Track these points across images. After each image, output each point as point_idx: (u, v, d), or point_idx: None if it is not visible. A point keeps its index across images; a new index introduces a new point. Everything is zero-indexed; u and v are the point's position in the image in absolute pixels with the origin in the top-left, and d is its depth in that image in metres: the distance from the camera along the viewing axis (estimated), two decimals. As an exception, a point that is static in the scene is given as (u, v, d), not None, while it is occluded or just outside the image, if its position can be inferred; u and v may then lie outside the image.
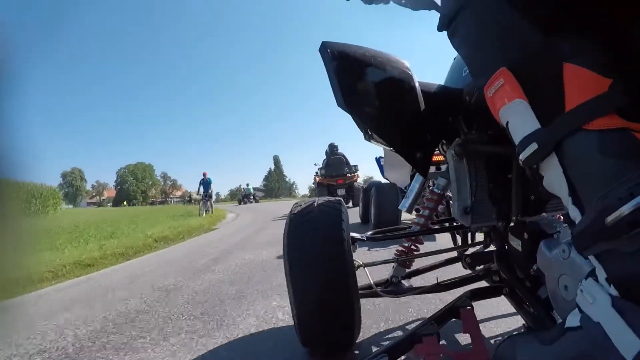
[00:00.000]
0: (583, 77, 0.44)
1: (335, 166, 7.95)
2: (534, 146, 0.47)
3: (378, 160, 4.43)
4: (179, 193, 71.23)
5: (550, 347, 0.46)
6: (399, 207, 1.47)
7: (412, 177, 4.17)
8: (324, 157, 8.71)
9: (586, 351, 0.40)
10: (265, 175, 69.84)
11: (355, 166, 8.42)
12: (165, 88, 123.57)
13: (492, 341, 1.23)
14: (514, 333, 0.79)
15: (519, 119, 0.50)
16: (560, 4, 0.47)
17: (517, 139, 0.51)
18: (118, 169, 70.84)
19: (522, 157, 0.50)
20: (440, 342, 0.88)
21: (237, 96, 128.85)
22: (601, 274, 0.41)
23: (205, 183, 12.41)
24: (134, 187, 67.15)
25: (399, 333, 1.38)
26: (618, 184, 0.39)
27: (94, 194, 73.25)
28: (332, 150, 8.56)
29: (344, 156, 8.32)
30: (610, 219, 0.38)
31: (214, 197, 17.37)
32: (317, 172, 8.71)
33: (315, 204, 1.16)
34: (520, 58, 0.51)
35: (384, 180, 4.67)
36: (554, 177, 0.47)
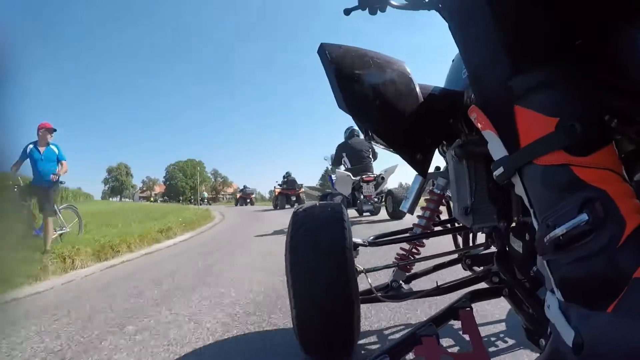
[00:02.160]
0: (531, 119, 0.51)
1: (290, 184, 13.77)
2: (500, 169, 0.57)
3: (330, 177, 6.60)
4: (230, 190, 69.37)
5: (547, 346, 0.55)
6: (400, 208, 1.47)
7: (353, 189, 6.15)
8: (283, 178, 14.26)
9: (555, 347, 0.50)
10: (322, 175, 69.47)
11: (301, 184, 14.16)
12: (218, 87, 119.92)
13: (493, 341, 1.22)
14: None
15: (491, 145, 0.58)
16: (511, 45, 0.53)
17: (494, 158, 0.59)
18: (167, 166, 70.71)
19: (494, 175, 0.59)
20: (440, 343, 0.88)
21: (290, 95, 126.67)
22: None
23: (32, 156, 4.06)
24: (183, 183, 66.78)
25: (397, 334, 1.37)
26: (551, 212, 0.49)
27: (144, 188, 72.83)
28: (288, 175, 14.12)
29: (294, 178, 13.97)
30: (545, 240, 0.49)
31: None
32: (275, 186, 14.51)
33: (318, 209, 1.16)
34: (484, 97, 0.59)
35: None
36: (519, 191, 0.57)
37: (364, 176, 5.99)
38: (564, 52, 0.52)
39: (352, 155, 6.28)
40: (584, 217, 0.45)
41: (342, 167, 6.40)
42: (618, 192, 0.46)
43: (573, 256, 0.46)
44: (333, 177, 6.39)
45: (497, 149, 0.57)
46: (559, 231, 0.46)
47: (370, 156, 6.35)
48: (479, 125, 0.59)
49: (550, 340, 0.52)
